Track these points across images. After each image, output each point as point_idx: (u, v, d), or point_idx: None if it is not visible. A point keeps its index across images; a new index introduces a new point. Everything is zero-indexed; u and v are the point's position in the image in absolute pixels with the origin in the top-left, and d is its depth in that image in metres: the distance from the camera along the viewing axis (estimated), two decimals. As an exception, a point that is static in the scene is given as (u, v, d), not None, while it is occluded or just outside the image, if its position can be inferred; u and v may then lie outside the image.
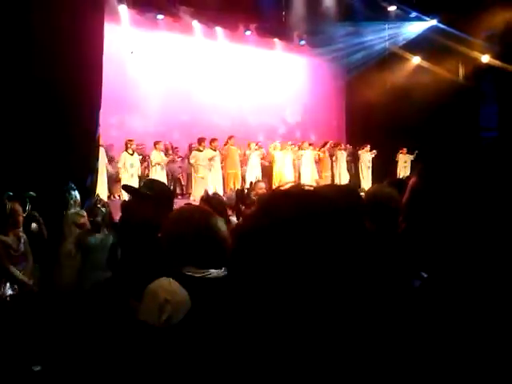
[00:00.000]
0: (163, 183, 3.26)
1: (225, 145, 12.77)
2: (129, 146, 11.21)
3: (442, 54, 14.55)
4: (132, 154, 11.24)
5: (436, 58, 14.91)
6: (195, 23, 14.27)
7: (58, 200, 6.69)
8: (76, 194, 6.84)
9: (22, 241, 5.00)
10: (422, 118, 14.00)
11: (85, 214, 5.66)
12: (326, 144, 14.71)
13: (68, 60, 8.27)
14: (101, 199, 7.01)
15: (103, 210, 5.42)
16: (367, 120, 14.85)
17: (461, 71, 15.28)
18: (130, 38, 12.97)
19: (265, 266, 0.73)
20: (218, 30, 14.69)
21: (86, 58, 8.65)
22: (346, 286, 0.72)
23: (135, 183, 10.59)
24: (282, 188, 0.82)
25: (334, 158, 14.75)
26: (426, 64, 15.38)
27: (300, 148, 14.20)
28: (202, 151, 12.08)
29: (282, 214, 0.74)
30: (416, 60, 15.80)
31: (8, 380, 4.20)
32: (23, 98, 7.82)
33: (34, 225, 5.63)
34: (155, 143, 11.67)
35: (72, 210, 6.18)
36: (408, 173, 14.47)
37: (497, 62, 14.13)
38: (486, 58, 14.47)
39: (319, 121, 15.92)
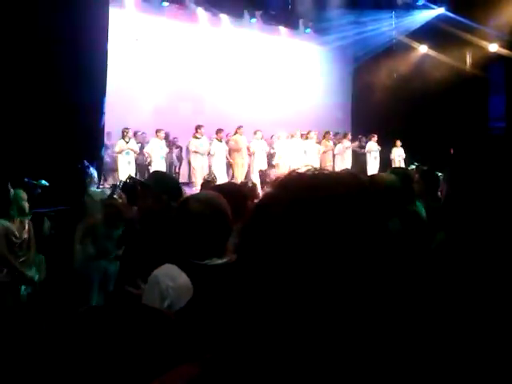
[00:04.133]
0: (165, 174, 3.33)
1: (234, 134, 12.66)
2: (125, 134, 11.30)
3: (449, 42, 14.41)
4: (128, 142, 11.34)
5: (444, 47, 14.77)
6: (200, 10, 14.17)
7: (62, 187, 6.65)
8: (93, 171, 6.79)
9: (27, 228, 4.95)
10: (429, 108, 13.90)
11: (105, 194, 5.56)
12: (327, 134, 14.60)
13: (73, 46, 8.22)
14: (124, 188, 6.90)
15: (119, 200, 5.29)
16: (373, 109, 14.75)
17: (468, 60, 15.15)
18: (134, 25, 12.89)
19: (276, 247, 0.69)
20: (223, 17, 14.59)
21: (91, 45, 8.60)
22: (362, 274, 0.68)
23: (132, 170, 10.86)
24: (298, 170, 0.79)
25: (339, 149, 14.64)
26: (433, 53, 15.25)
27: (306, 137, 14.11)
28: (199, 138, 12.04)
29: (298, 193, 0.71)
30: (423, 49, 15.66)
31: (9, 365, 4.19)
32: (27, 85, 7.78)
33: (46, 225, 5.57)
34: (157, 131, 11.69)
35: (95, 188, 6.08)
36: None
37: (505, 51, 14.00)
38: (494, 47, 14.33)
39: (325, 110, 15.82)
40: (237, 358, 0.70)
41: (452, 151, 13.11)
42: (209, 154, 12.26)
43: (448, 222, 1.11)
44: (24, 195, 5.02)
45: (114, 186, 6.32)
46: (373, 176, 3.69)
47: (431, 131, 13.78)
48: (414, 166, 11.68)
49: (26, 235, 4.93)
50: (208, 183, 6.13)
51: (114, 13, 10.09)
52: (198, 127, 12.03)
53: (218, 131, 12.29)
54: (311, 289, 0.65)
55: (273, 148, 13.51)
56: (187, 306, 1.88)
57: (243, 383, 0.69)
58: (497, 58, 14.28)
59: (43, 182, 6.26)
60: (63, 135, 7.82)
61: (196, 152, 12.01)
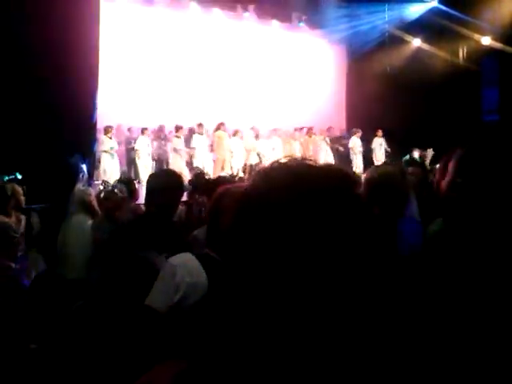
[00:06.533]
0: (161, 171, 3.38)
1: (215, 131, 12.85)
2: (108, 131, 11.51)
3: (442, 35, 14.41)
4: (111, 138, 11.63)
5: (437, 40, 14.77)
6: (193, 4, 14.10)
7: (52, 184, 6.60)
8: (84, 167, 6.70)
9: (23, 223, 4.95)
10: (423, 101, 13.90)
11: (91, 192, 5.47)
12: (310, 130, 14.59)
13: (64, 41, 8.15)
14: (120, 183, 6.78)
15: (120, 195, 5.15)
16: (367, 103, 14.72)
17: (462, 53, 15.15)
18: (126, 19, 12.81)
19: (266, 241, 0.67)
20: (216, 10, 14.51)
21: (83, 39, 8.54)
22: (349, 271, 0.67)
23: (116, 164, 11.38)
24: (280, 161, 0.76)
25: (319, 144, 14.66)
26: (426, 46, 15.24)
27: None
28: (179, 138, 12.33)
29: (282, 185, 0.69)
30: (416, 42, 15.65)
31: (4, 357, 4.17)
32: (19, 80, 7.72)
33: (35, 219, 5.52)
34: (143, 129, 12.00)
35: (80, 187, 5.99)
36: (383, 157, 14.44)
37: (498, 44, 13.99)
38: (487, 40, 14.33)
39: (319, 104, 15.79)
40: (223, 354, 0.69)
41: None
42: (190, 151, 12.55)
43: (456, 214, 1.08)
44: (21, 190, 5.01)
45: (104, 182, 6.24)
46: (371, 172, 3.64)
47: (425, 124, 13.79)
48: (407, 157, 11.76)
49: (22, 230, 4.93)
50: (199, 176, 6.16)
51: (104, 6, 10.02)
52: (178, 128, 12.30)
53: (199, 126, 12.54)
54: (300, 282, 0.64)
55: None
56: (200, 303, 1.86)
57: (228, 378, 0.68)
58: (490, 51, 14.28)
59: (17, 174, 6.19)
60: (54, 130, 7.77)
61: (175, 150, 12.29)
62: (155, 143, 12.50)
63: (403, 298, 0.89)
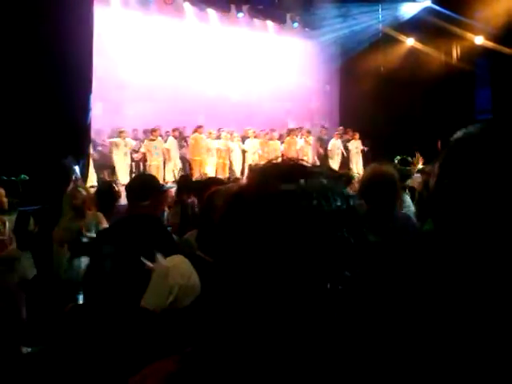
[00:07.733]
0: (138, 176, 3.47)
1: (193, 133, 12.98)
2: None
3: (436, 35, 14.43)
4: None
5: (430, 40, 14.79)
6: (187, 5, 14.09)
7: (46, 185, 6.59)
8: (77, 169, 6.68)
9: (7, 225, 4.91)
10: (416, 101, 13.94)
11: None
12: (292, 131, 14.56)
13: (58, 43, 8.15)
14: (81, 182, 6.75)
15: (83, 193, 5.15)
16: (361, 103, 14.75)
17: (455, 53, 15.18)
18: (120, 22, 12.80)
19: (250, 238, 0.68)
20: (210, 12, 14.51)
21: (76, 41, 8.53)
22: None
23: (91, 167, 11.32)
24: (275, 161, 0.79)
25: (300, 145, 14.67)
26: (420, 46, 15.27)
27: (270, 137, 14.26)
28: (154, 140, 12.46)
29: (277, 181, 0.71)
30: (410, 42, 15.67)
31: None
32: (13, 83, 7.71)
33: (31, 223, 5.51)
34: (120, 132, 12.04)
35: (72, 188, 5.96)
36: (360, 159, 14.55)
37: (491, 44, 14.02)
38: (479, 40, 14.36)
39: (312, 105, 15.81)
40: (214, 354, 0.70)
41: (439, 144, 13.16)
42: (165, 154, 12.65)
43: (440, 212, 1.09)
44: (2, 191, 4.98)
45: (75, 180, 6.24)
46: (367, 170, 3.66)
47: (418, 124, 13.82)
48: (399, 157, 11.75)
49: (8, 232, 4.89)
50: (185, 178, 6.23)
51: (99, 10, 10.02)
52: (153, 130, 12.43)
53: (174, 130, 12.76)
54: (290, 281, 0.66)
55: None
56: (192, 305, 1.86)
57: (220, 378, 0.69)
58: (482, 50, 14.31)
59: (23, 176, 6.18)
60: (48, 132, 7.77)
61: (149, 152, 12.40)
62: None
63: (395, 291, 0.90)
